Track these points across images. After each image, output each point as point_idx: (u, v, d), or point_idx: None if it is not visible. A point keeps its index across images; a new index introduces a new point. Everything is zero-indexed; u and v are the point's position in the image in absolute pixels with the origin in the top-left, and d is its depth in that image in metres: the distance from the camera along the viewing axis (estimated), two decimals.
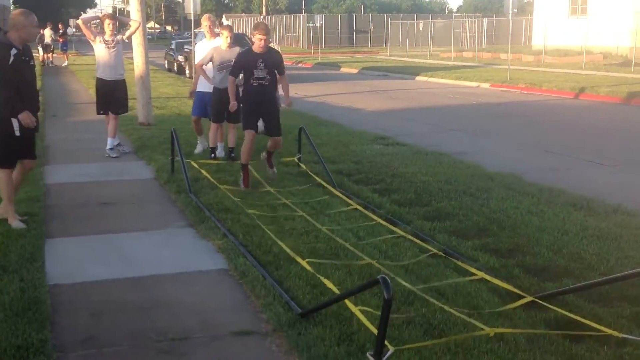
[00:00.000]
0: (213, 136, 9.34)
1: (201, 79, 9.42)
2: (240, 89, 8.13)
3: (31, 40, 6.15)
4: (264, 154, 8.27)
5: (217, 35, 9.44)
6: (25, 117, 5.91)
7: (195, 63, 9.73)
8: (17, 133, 5.95)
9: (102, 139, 10.16)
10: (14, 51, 5.82)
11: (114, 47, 9.55)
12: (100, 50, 9.56)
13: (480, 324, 4.02)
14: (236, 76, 7.77)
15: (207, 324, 4.28)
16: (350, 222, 6.40)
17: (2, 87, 5.82)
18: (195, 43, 11.08)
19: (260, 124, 8.17)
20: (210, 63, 9.11)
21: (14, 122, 5.91)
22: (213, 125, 9.27)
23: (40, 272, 5.05)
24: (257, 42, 7.55)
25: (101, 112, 9.93)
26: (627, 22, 29.36)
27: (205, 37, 9.90)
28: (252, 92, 7.65)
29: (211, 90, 9.30)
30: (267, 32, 7.55)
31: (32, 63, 6.15)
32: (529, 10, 47.75)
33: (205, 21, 9.64)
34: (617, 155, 10.40)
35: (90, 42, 9.67)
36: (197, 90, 9.65)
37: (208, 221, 6.36)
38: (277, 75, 7.78)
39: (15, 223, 6.10)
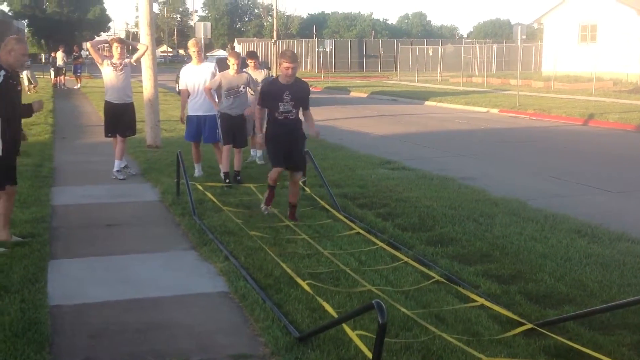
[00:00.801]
0: (226, 160, 9.29)
1: (190, 102, 9.64)
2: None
3: (17, 67, 6.25)
4: (263, 205, 7.65)
5: (204, 60, 9.64)
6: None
7: (180, 87, 9.87)
8: (0, 153, 6.00)
9: (110, 161, 10.23)
10: (3, 72, 5.94)
11: (121, 70, 9.66)
12: (109, 74, 9.67)
13: (477, 353, 3.99)
14: (265, 107, 7.28)
15: (205, 347, 4.28)
16: (353, 247, 6.40)
17: None
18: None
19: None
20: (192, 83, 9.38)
21: None
22: (225, 148, 9.28)
23: (42, 293, 5.08)
24: (284, 71, 7.01)
25: (109, 134, 10.02)
26: (636, 49, 29.42)
27: (192, 61, 9.78)
28: (277, 125, 7.19)
29: (204, 114, 9.55)
30: (294, 59, 7.00)
31: (19, 88, 6.25)
32: (539, 36, 47.91)
33: (192, 47, 9.66)
34: (623, 182, 10.36)
35: (99, 65, 9.79)
36: (189, 114, 9.75)
37: (211, 244, 6.39)
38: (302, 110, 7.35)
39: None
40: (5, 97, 5.98)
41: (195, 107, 9.63)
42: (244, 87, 9.12)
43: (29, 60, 56.22)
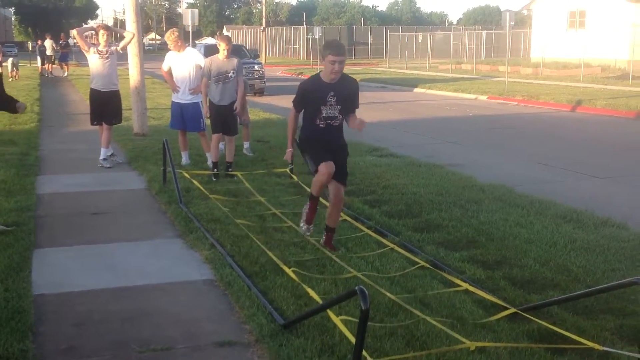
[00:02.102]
0: (215, 150, 9.08)
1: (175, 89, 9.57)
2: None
3: None
4: (303, 225, 6.15)
5: (184, 47, 9.50)
6: None
7: (163, 68, 9.70)
8: None
9: (96, 150, 10.18)
10: None
11: (107, 57, 9.59)
12: (94, 61, 9.60)
13: (462, 338, 4.01)
14: (299, 111, 5.80)
15: (190, 335, 4.27)
16: (339, 233, 6.39)
17: None
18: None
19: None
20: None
21: None
22: (214, 137, 9.08)
23: (26, 281, 5.05)
24: (329, 66, 5.48)
25: (95, 122, 9.97)
26: (625, 35, 29.50)
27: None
28: (317, 134, 5.71)
29: (188, 102, 9.48)
30: (342, 51, 5.50)
31: None
32: (528, 23, 47.93)
33: (168, 40, 9.43)
34: (610, 167, 10.42)
35: (84, 52, 9.72)
36: (173, 100, 9.70)
37: (197, 231, 6.37)
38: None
39: None
40: None
41: (178, 95, 9.56)
42: (233, 73, 8.88)
43: (15, 48, 55.67)
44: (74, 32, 9.70)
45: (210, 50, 9.20)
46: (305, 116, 5.77)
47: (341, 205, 5.93)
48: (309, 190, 8.08)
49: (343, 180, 5.82)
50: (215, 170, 9.06)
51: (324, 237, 6.00)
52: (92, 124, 10.07)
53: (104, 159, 9.81)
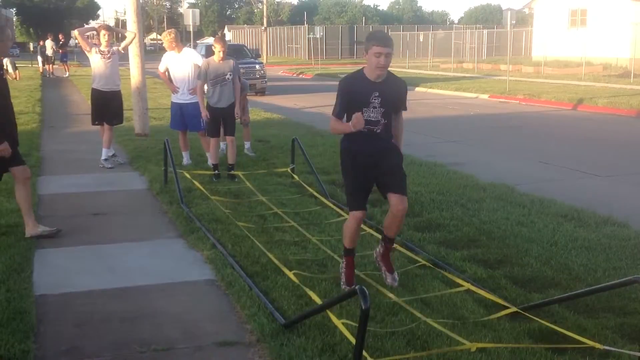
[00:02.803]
0: (214, 152, 9.01)
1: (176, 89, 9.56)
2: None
3: (2, 56, 6.17)
4: (343, 284, 5.01)
5: (181, 48, 9.50)
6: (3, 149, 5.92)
7: (160, 69, 9.77)
8: None
9: (97, 150, 10.19)
10: None
11: (109, 58, 9.60)
12: (96, 61, 9.61)
13: (462, 339, 4.00)
14: (340, 117, 4.79)
15: (191, 335, 4.28)
16: (341, 233, 6.38)
17: None
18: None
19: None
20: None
21: None
22: (212, 141, 8.93)
23: (28, 282, 5.06)
24: (374, 60, 4.60)
25: (96, 122, 9.98)
26: (626, 33, 29.44)
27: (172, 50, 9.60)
28: (359, 143, 4.82)
29: (188, 101, 9.47)
30: (388, 42, 4.61)
31: (4, 77, 6.14)
32: (529, 21, 47.86)
33: (165, 41, 9.47)
34: (611, 166, 10.41)
35: (86, 53, 9.73)
36: (173, 101, 9.70)
37: (198, 232, 6.38)
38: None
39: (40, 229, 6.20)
40: None
41: (177, 95, 9.56)
42: (230, 75, 8.76)
43: (17, 49, 55.66)
44: (75, 33, 9.71)
45: (212, 51, 9.15)
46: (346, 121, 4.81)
47: (403, 217, 4.92)
48: (309, 189, 8.13)
49: (401, 190, 4.82)
50: (216, 171, 9.04)
51: (380, 249, 5.14)
52: (93, 124, 10.08)
53: (105, 160, 9.82)
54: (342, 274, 5.04)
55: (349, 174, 4.92)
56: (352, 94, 4.75)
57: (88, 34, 10.34)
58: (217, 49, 8.71)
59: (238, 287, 4.95)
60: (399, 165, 4.92)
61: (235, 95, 8.89)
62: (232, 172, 8.96)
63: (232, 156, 9.05)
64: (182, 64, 9.44)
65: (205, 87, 8.92)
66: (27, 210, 6.27)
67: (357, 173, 4.87)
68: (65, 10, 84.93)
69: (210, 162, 9.42)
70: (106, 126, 9.82)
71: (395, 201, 4.77)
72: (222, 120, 8.90)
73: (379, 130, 4.81)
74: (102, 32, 9.70)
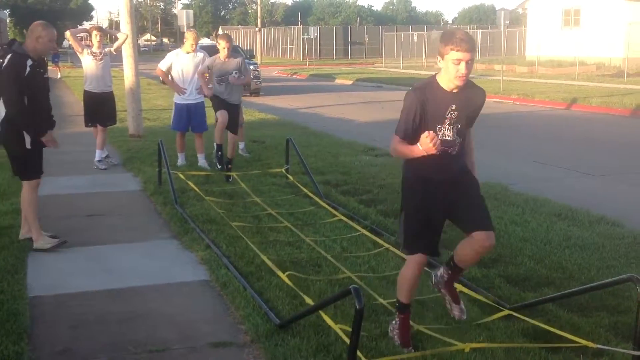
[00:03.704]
0: (220, 132, 8.83)
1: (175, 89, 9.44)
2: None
3: (45, 54, 6.07)
4: (398, 342, 4.07)
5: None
6: (49, 140, 5.89)
7: (160, 66, 9.54)
8: (28, 146, 5.88)
9: (91, 151, 10.17)
10: (29, 62, 5.69)
11: (101, 59, 9.58)
12: (88, 63, 9.59)
13: (455, 341, 4.00)
14: (409, 138, 3.77)
15: (186, 336, 4.28)
16: (335, 233, 6.41)
17: (17, 98, 5.65)
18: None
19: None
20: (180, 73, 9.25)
21: (26, 135, 5.82)
22: (220, 122, 8.74)
23: (21, 284, 5.05)
24: (452, 69, 3.68)
25: (89, 124, 9.96)
26: (620, 33, 29.54)
27: (185, 48, 9.47)
28: (429, 170, 3.89)
29: (196, 102, 9.42)
30: (471, 46, 3.65)
31: (46, 76, 6.03)
32: (523, 21, 48.00)
33: (190, 39, 9.33)
34: (604, 165, 10.44)
35: (78, 54, 9.71)
36: (178, 102, 9.58)
37: (192, 232, 6.37)
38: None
39: (42, 242, 5.99)
40: (32, 87, 5.74)
41: (184, 96, 9.42)
42: (236, 73, 8.52)
43: None
44: (67, 34, 9.68)
45: (207, 51, 9.11)
46: (412, 143, 3.74)
47: (485, 253, 4.16)
48: (304, 190, 8.13)
49: (488, 225, 3.92)
50: (219, 153, 8.95)
51: (444, 276, 4.24)
52: (86, 125, 10.06)
53: (99, 161, 9.80)
54: (395, 334, 4.09)
55: (416, 207, 3.99)
56: (426, 109, 3.77)
57: (81, 35, 10.33)
58: (222, 45, 8.45)
59: (232, 287, 4.96)
60: (480, 194, 4.07)
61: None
62: (230, 167, 8.89)
63: (231, 150, 8.96)
64: (193, 64, 9.30)
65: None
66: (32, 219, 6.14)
67: (426, 206, 3.96)
68: (59, 12, 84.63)
69: (201, 161, 9.45)
70: (99, 127, 9.80)
71: (482, 238, 3.86)
72: (230, 115, 8.73)
73: (454, 152, 3.91)
74: (94, 32, 9.69)
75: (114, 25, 69.58)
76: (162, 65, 9.56)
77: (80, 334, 4.29)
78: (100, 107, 9.71)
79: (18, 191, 7.87)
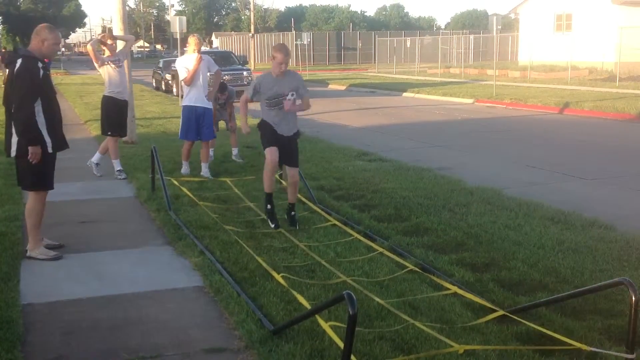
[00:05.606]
0: (270, 179, 6.97)
1: (189, 90, 9.13)
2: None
3: (51, 57, 6.04)
4: None
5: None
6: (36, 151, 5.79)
7: (181, 78, 9.16)
8: (50, 150, 5.86)
9: (85, 158, 10.15)
10: (40, 65, 5.67)
11: (119, 65, 9.42)
12: (109, 71, 9.34)
13: (450, 341, 4.02)
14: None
15: (180, 342, 4.27)
16: (329, 238, 6.41)
17: (29, 103, 5.59)
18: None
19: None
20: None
21: (47, 137, 5.80)
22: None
23: (14, 291, 5.03)
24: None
25: (109, 132, 9.51)
26: (611, 37, 29.67)
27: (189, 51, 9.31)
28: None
29: (207, 106, 9.15)
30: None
31: (51, 78, 6.04)
32: (515, 26, 48.16)
33: (193, 44, 9.15)
34: (598, 169, 10.48)
35: (96, 66, 9.44)
36: (187, 104, 9.18)
37: (186, 239, 6.36)
38: None
39: (37, 251, 5.93)
40: (46, 90, 5.73)
41: (193, 98, 9.13)
42: (292, 95, 6.78)
43: None
44: (89, 48, 9.58)
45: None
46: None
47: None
48: (298, 195, 8.10)
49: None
50: (269, 206, 6.89)
51: None
52: (105, 133, 9.60)
53: (119, 170, 9.59)
54: None
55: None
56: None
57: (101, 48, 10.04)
58: (278, 59, 6.60)
59: (226, 293, 4.95)
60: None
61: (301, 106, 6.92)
62: (293, 213, 6.96)
63: (292, 196, 7.01)
64: (202, 67, 9.14)
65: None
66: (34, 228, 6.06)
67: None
68: (52, 19, 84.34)
69: (204, 169, 9.30)
70: (114, 137, 9.51)
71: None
72: (282, 148, 6.89)
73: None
74: (109, 41, 9.59)
75: (107, 32, 69.49)
76: (183, 72, 9.09)
77: (73, 341, 4.28)
78: (120, 115, 9.49)
79: (11, 198, 7.90)
